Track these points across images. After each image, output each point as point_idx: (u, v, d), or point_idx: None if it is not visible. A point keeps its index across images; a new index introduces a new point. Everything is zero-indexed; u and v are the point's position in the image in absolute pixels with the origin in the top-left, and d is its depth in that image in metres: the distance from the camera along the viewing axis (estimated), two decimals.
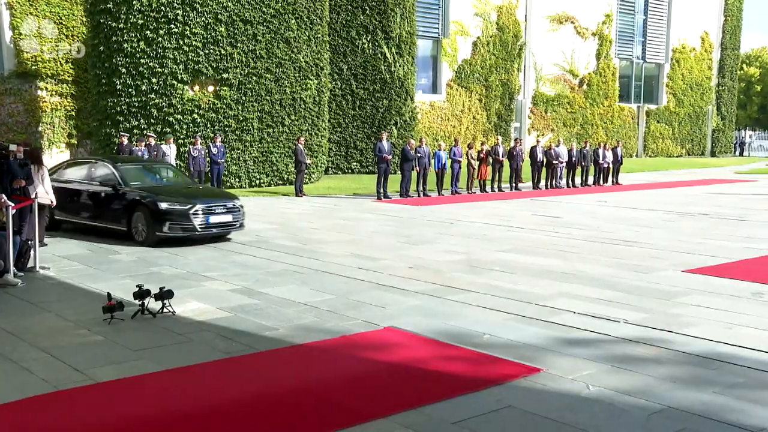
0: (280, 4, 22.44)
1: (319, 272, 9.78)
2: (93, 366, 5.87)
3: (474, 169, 22.68)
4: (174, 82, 21.03)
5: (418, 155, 21.02)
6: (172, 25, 20.81)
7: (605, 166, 26.52)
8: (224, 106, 21.71)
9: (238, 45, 21.72)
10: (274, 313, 7.66)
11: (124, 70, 20.93)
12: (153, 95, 20.97)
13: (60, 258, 10.56)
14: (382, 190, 20.36)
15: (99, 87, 21.74)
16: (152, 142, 19.37)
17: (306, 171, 21.43)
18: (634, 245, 12.36)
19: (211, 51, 21.33)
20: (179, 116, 21.19)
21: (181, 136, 21.03)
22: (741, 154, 53.79)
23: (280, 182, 23.01)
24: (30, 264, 9.60)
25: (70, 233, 12.88)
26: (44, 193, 10.90)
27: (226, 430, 4.75)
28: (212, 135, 20.81)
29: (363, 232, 13.76)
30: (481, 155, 22.64)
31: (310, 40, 23.51)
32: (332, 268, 10.03)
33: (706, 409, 5.10)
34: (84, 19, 24.62)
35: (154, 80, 20.94)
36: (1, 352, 6.22)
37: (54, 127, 26.33)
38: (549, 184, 24.74)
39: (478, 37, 35.92)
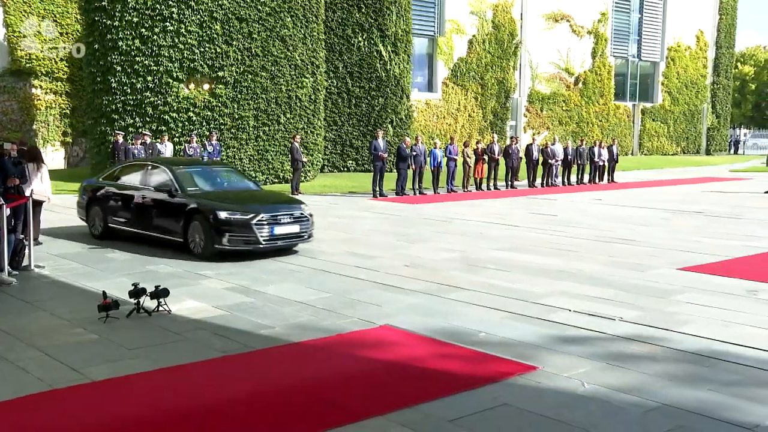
0: (275, 2, 22.41)
1: (315, 270, 9.77)
2: (88, 365, 5.85)
3: (470, 167, 22.70)
4: (169, 80, 20.99)
5: (414, 153, 21.02)
6: (167, 23, 20.76)
7: (601, 164, 26.56)
8: (220, 105, 21.67)
9: (234, 43, 21.69)
10: (270, 311, 7.65)
11: (119, 68, 20.88)
12: (148, 93, 20.92)
13: (55, 257, 10.53)
14: (377, 189, 20.36)
15: (94, 85, 21.68)
16: (147, 140, 19.34)
17: (302, 169, 21.41)
18: (629, 243, 12.37)
19: (207, 49, 21.29)
20: (175, 114, 21.15)
21: (177, 135, 20.99)
22: (736, 152, 53.94)
23: (276, 180, 22.99)
24: (25, 263, 9.57)
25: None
26: (41, 190, 10.87)
27: (221, 428, 4.74)
28: (208, 133, 20.78)
29: (359, 231, 13.76)
30: (477, 153, 22.66)
31: (305, 38, 23.49)
32: (328, 267, 10.03)
33: (702, 407, 5.12)
34: (79, 16, 24.55)
35: (149, 78, 20.89)
36: None
37: (49, 125, 26.27)
38: (545, 182, 24.78)
39: (474, 36, 35.92)
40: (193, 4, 20.92)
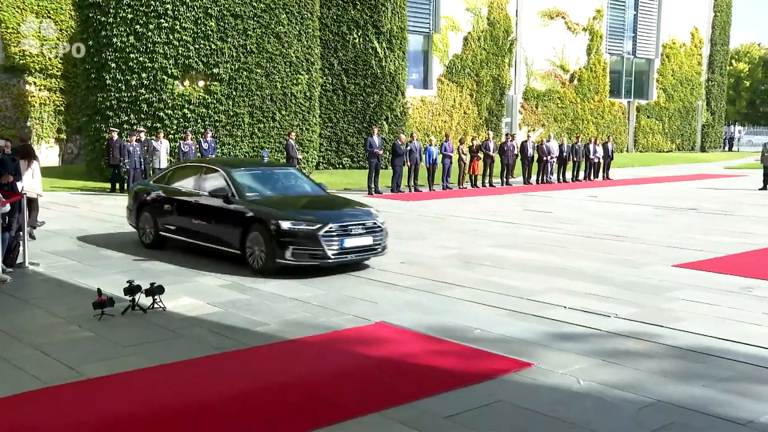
0: None
1: (310, 267, 9.77)
2: (84, 362, 5.85)
3: (465, 164, 22.71)
4: (164, 77, 20.93)
5: (409, 150, 21.01)
6: (162, 20, 20.70)
7: (596, 161, 26.58)
8: (215, 101, 21.63)
9: (229, 40, 21.64)
10: (265, 308, 7.65)
11: (113, 65, 20.81)
12: (143, 90, 20.87)
13: (49, 254, 10.50)
14: (373, 186, 20.36)
15: (88, 82, 21.61)
16: (143, 137, 19.31)
17: (297, 166, 21.39)
18: (624, 240, 12.41)
19: (202, 46, 21.24)
20: (169, 111, 21.10)
21: (172, 132, 20.94)
22: (730, 149, 54.05)
23: None
24: (19, 260, 9.54)
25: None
26: (32, 187, 10.85)
27: (217, 425, 4.74)
28: (203, 130, 20.73)
29: None
30: (472, 150, 22.67)
31: (300, 35, 23.45)
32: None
33: (696, 403, 5.14)
34: (73, 13, 24.46)
35: (144, 75, 20.84)
36: None
37: (43, 122, 26.18)
38: (540, 179, 24.80)
39: (469, 33, 35.91)
40: (187, 0, 20.86)
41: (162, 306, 7.45)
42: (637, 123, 44.90)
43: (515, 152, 24.16)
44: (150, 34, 20.67)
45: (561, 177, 25.61)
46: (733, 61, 61.65)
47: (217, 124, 21.64)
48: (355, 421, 4.81)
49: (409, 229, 13.65)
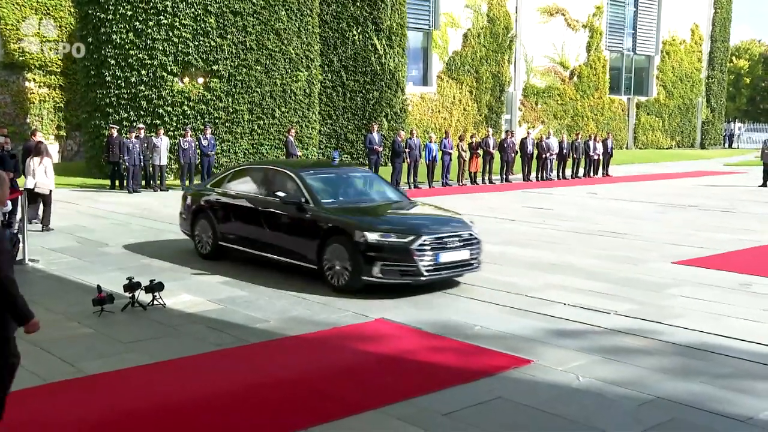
0: None
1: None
2: (83, 359, 5.85)
3: (465, 161, 22.70)
4: (164, 73, 20.90)
5: (409, 147, 21.00)
6: (162, 17, 20.67)
7: (595, 158, 26.58)
8: (214, 98, 21.60)
9: (228, 36, 21.61)
10: (264, 305, 7.65)
11: (113, 62, 20.79)
12: (142, 87, 20.84)
13: (49, 251, 10.50)
14: None
15: (88, 78, 21.58)
16: (142, 133, 19.30)
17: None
18: (624, 237, 12.41)
19: (201, 42, 21.21)
20: (169, 108, 21.08)
21: (171, 129, 20.92)
22: (730, 146, 54.01)
23: None
24: (19, 257, 9.53)
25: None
26: (45, 183, 10.92)
27: (216, 422, 4.75)
28: (202, 127, 20.71)
29: None
30: (472, 147, 22.66)
31: (300, 32, 23.42)
32: None
33: (695, 399, 5.15)
34: (72, 10, 24.42)
35: (143, 72, 20.81)
36: None
37: (42, 119, 26.14)
38: (539, 176, 24.79)
39: (469, 29, 35.86)
40: None
41: (162, 303, 7.45)
42: (636, 120, 44.87)
43: (515, 149, 24.15)
44: (149, 30, 20.64)
45: (561, 174, 25.59)
46: (734, 58, 61.58)
47: (217, 121, 21.62)
48: (354, 417, 4.82)
49: None
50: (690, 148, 47.05)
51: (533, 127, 37.57)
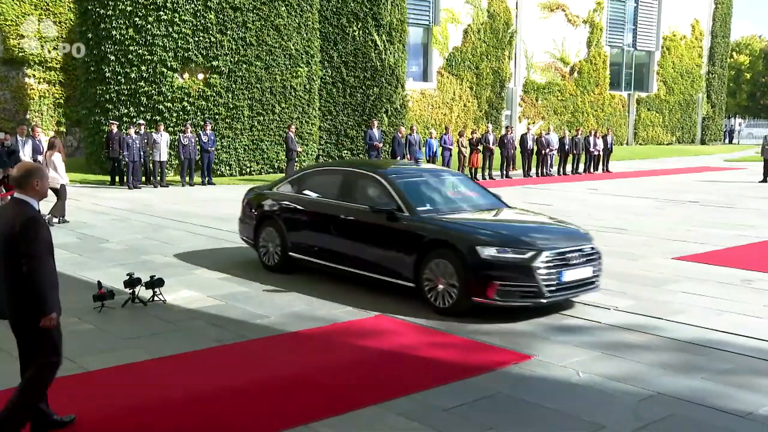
0: None
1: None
2: (83, 354, 5.85)
3: (465, 157, 22.69)
4: (163, 69, 20.89)
5: (409, 143, 20.99)
6: (161, 12, 20.64)
7: (596, 153, 26.58)
8: (214, 94, 21.59)
9: (228, 32, 21.58)
10: (264, 300, 7.65)
11: (113, 58, 20.77)
12: (142, 83, 20.83)
13: None
14: None
15: (87, 74, 21.57)
16: (142, 129, 19.29)
17: (297, 159, 21.37)
18: (624, 233, 12.40)
19: (201, 38, 21.19)
20: (169, 104, 21.07)
21: (171, 125, 20.91)
22: (730, 142, 53.98)
23: (271, 170, 22.93)
24: None
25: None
26: (54, 177, 11.12)
27: (217, 417, 4.75)
28: (202, 123, 20.71)
29: None
30: (472, 143, 22.66)
31: (300, 28, 23.39)
32: None
33: (695, 395, 5.15)
34: (72, 5, 24.38)
35: (143, 68, 20.79)
36: None
37: (42, 114, 26.13)
38: (540, 171, 24.79)
39: (469, 25, 35.82)
40: None
41: (162, 299, 7.45)
42: (637, 115, 44.84)
43: (515, 145, 24.14)
44: (149, 26, 20.62)
45: (561, 170, 25.60)
46: (734, 54, 61.51)
47: (217, 116, 21.60)
48: (355, 412, 4.82)
49: None
50: (690, 144, 47.03)
51: (533, 123, 37.55)
